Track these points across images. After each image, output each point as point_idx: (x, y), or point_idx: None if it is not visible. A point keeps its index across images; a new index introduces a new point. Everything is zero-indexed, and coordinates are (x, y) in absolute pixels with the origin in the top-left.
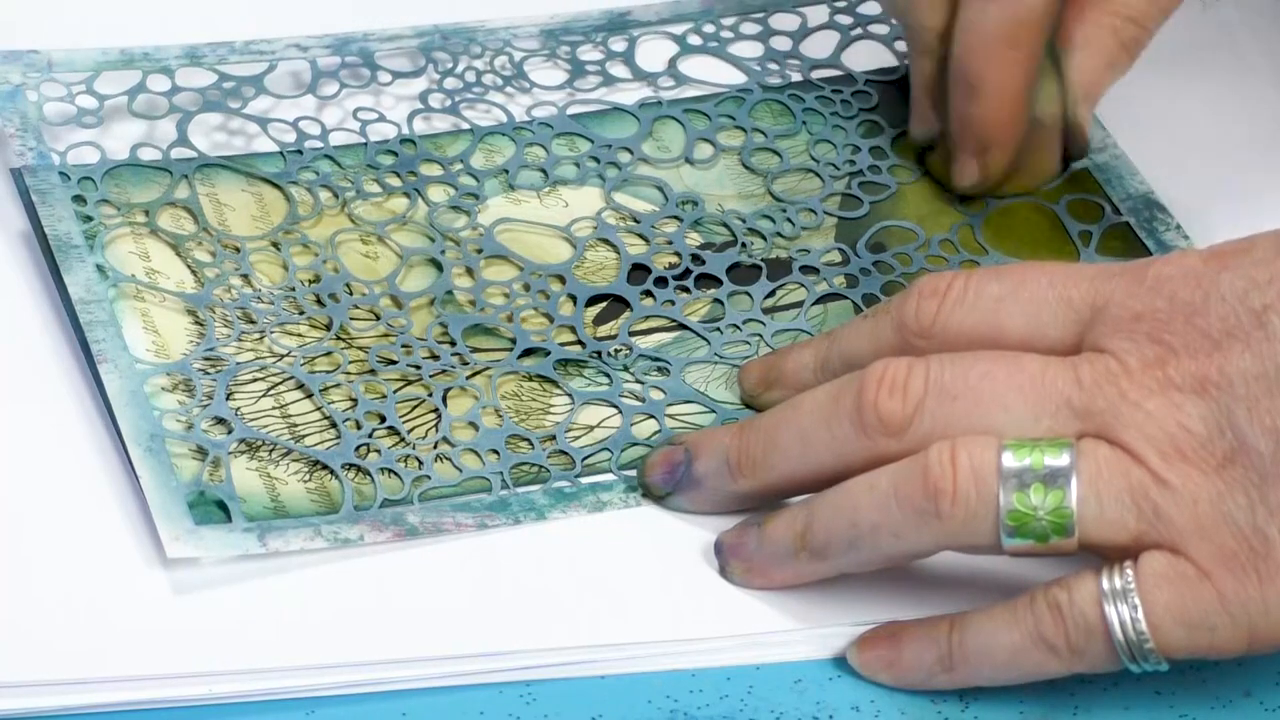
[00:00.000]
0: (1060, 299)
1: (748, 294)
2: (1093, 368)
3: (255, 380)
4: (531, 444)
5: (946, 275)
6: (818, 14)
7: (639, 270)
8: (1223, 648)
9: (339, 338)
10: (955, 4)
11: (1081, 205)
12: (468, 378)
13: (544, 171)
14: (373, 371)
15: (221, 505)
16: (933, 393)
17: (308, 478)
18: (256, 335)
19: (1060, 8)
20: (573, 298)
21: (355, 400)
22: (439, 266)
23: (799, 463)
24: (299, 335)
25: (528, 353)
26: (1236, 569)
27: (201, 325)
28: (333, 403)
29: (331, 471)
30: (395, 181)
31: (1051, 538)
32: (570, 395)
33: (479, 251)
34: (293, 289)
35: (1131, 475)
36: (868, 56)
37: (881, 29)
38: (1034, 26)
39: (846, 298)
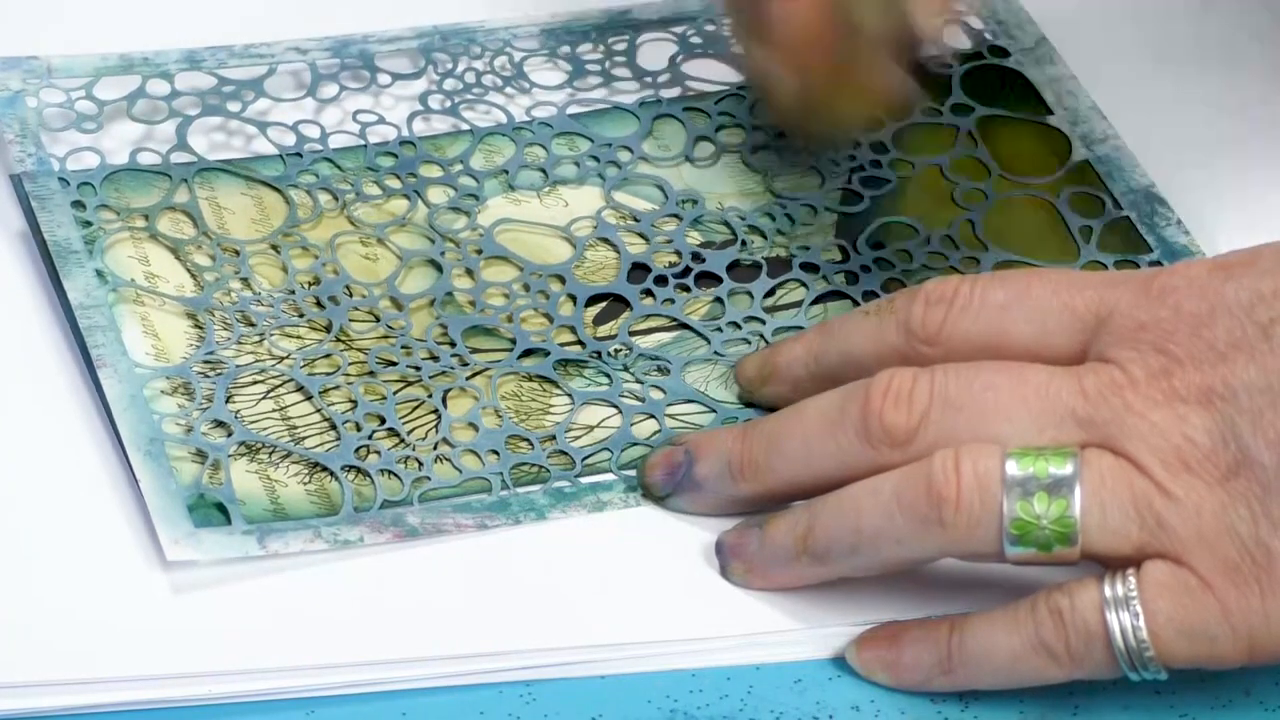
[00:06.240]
0: (1065, 307)
1: (748, 292)
2: (1097, 378)
3: (255, 383)
4: (531, 444)
5: (951, 281)
6: None
7: (639, 269)
8: (1223, 658)
9: (339, 339)
10: None
11: (1082, 200)
12: (467, 378)
13: (544, 171)
14: (372, 373)
15: (221, 508)
16: (937, 404)
17: (307, 480)
18: (256, 338)
19: None
20: (572, 297)
21: (355, 402)
22: (439, 268)
23: (802, 469)
24: (299, 338)
25: (528, 353)
26: (1239, 580)
27: (201, 328)
28: (332, 404)
29: (331, 473)
30: (395, 183)
31: (1054, 547)
32: (570, 395)
33: (479, 252)
34: (292, 292)
35: (1135, 485)
36: None
37: None
38: None
39: (847, 295)
